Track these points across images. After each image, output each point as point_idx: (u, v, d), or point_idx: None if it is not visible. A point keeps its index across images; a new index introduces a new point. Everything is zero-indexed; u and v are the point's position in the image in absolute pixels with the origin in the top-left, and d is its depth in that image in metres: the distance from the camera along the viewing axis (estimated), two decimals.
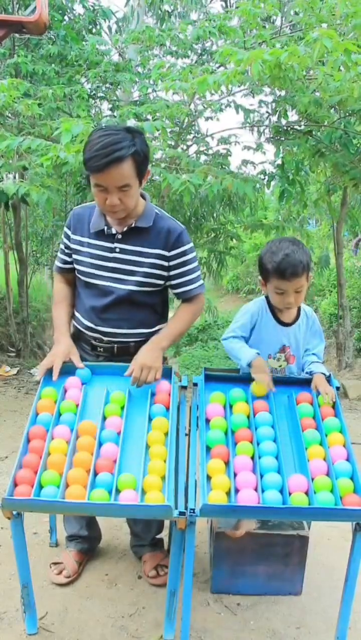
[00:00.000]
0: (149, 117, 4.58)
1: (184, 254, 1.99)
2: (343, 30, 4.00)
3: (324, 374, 2.00)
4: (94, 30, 6.02)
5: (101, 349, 2.05)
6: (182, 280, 2.02)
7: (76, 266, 2.04)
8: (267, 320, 2.06)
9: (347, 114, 4.83)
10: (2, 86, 3.79)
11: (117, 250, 1.96)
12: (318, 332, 2.13)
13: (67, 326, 2.08)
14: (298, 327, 2.08)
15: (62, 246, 2.11)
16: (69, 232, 2.05)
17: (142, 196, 2.00)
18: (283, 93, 5.00)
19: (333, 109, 4.79)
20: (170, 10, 6.72)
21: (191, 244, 2.04)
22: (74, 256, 2.03)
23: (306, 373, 2.07)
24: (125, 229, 1.95)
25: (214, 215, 6.37)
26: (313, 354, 2.10)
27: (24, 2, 5.42)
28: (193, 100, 4.87)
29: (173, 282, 2.02)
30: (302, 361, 2.12)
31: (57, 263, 2.15)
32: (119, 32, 6.54)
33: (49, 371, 1.94)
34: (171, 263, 1.98)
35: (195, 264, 2.05)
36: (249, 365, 1.97)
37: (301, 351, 2.11)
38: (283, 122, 5.29)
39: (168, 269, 1.99)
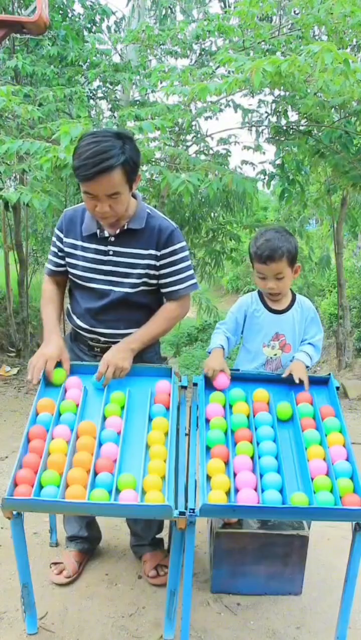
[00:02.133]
0: (150, 118, 4.59)
1: (173, 253, 1.98)
2: (341, 29, 4.04)
3: (303, 362, 2.04)
4: (93, 29, 6.02)
5: (99, 350, 2.05)
6: (170, 280, 2.00)
7: (70, 270, 2.02)
8: (259, 309, 2.11)
9: (348, 115, 4.83)
10: (0, 92, 3.79)
11: (111, 253, 1.96)
12: (315, 321, 2.15)
13: (57, 324, 2.05)
14: (292, 316, 2.11)
15: (54, 249, 2.07)
16: (62, 235, 2.02)
17: (134, 196, 1.98)
18: (283, 93, 5.00)
19: (333, 108, 4.80)
20: (172, 8, 6.71)
21: (183, 243, 2.02)
22: (68, 259, 2.02)
23: (289, 360, 2.10)
24: (118, 231, 1.94)
25: (213, 215, 6.39)
26: (309, 343, 2.13)
27: (25, 2, 5.42)
28: (193, 102, 4.88)
29: (161, 282, 2.01)
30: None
31: (49, 266, 2.11)
32: (118, 32, 6.54)
33: (43, 374, 1.90)
34: (161, 262, 1.97)
35: (185, 263, 2.01)
36: (209, 352, 2.09)
37: (297, 340, 2.13)
38: (283, 122, 5.29)
39: (158, 268, 1.98)
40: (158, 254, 1.96)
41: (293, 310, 2.12)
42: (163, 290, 2.03)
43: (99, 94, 5.86)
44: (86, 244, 1.97)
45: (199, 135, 5.61)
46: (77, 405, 1.89)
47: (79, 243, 1.98)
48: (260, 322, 2.11)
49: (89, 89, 5.52)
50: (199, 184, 3.90)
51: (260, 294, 2.13)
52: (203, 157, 5.62)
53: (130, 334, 2.00)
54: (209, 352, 2.09)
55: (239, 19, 4.58)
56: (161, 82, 4.68)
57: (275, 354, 2.11)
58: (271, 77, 3.51)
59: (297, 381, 1.97)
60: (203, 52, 5.77)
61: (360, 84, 3.45)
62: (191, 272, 2.04)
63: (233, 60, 3.61)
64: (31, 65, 4.94)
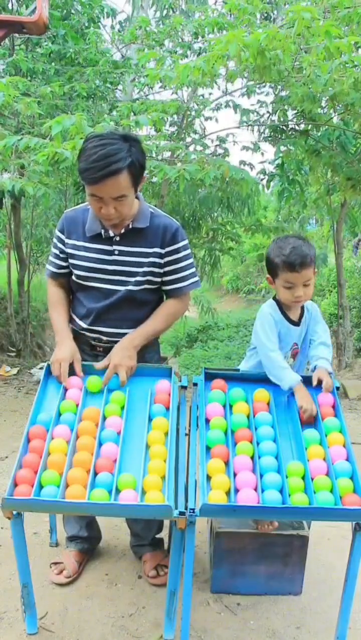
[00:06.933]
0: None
1: (177, 251, 2.00)
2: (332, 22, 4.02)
3: (327, 369, 1.98)
4: (92, 28, 6.01)
5: (100, 349, 2.05)
6: (173, 278, 2.03)
7: (74, 270, 2.02)
8: (280, 320, 2.06)
9: (343, 110, 4.80)
10: (0, 85, 3.78)
11: (117, 252, 1.96)
12: (319, 319, 2.14)
13: (67, 328, 2.06)
14: (304, 324, 2.11)
15: (56, 251, 2.06)
16: (63, 237, 2.02)
17: (136, 196, 1.98)
18: (281, 93, 5.00)
19: (330, 107, 4.78)
20: (173, 8, 6.70)
21: (186, 241, 2.04)
22: (71, 260, 2.02)
23: (311, 370, 2.06)
24: (123, 230, 1.95)
25: (213, 215, 6.38)
26: (321, 343, 2.07)
27: (24, 2, 5.42)
28: (189, 97, 4.88)
29: (165, 279, 2.03)
30: (309, 353, 2.10)
31: (51, 268, 2.09)
32: (122, 32, 6.53)
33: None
34: (165, 260, 1.99)
35: (188, 261, 2.05)
36: (290, 389, 1.93)
37: (305, 344, 2.12)
38: (282, 121, 5.29)
39: (162, 265, 2.00)
40: (163, 252, 1.98)
41: (304, 318, 2.09)
42: (166, 288, 2.06)
43: (98, 94, 5.85)
44: (89, 244, 1.97)
45: (197, 136, 5.61)
46: (77, 405, 1.89)
47: (82, 244, 1.98)
48: (282, 333, 2.06)
49: (89, 88, 5.51)
50: (196, 169, 3.88)
51: (278, 305, 2.06)
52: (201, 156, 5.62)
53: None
54: (289, 389, 1.92)
55: (230, 13, 4.56)
56: (159, 82, 4.69)
57: (289, 364, 2.07)
58: (253, 57, 3.44)
59: (326, 390, 1.92)
60: (200, 51, 5.77)
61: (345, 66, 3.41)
62: (193, 269, 2.08)
63: (219, 40, 3.58)
64: (30, 62, 4.94)
